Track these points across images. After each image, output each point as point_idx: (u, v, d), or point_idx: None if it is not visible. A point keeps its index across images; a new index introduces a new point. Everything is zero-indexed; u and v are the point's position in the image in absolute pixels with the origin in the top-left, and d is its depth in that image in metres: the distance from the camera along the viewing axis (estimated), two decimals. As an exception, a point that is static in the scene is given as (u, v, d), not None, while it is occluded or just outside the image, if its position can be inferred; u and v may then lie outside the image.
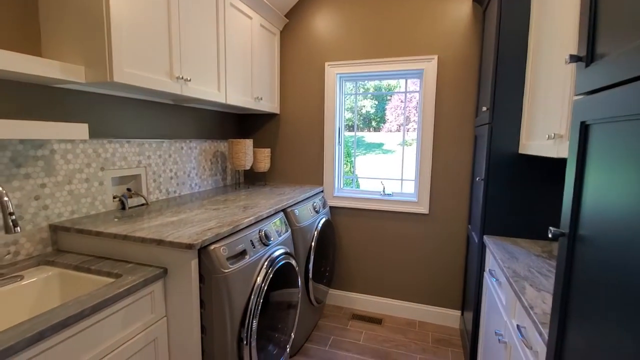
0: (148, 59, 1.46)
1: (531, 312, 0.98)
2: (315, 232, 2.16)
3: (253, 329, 1.37)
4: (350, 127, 2.77)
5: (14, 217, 1.07)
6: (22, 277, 1.23)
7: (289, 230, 1.88)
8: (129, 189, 1.82)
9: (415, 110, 2.57)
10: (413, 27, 2.36)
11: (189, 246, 1.20)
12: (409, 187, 2.63)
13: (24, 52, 1.32)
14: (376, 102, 2.72)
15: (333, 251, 2.58)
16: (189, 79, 1.68)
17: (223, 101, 2.00)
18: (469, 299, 2.10)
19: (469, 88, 2.29)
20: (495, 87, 1.69)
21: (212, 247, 1.28)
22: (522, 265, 1.34)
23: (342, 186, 2.79)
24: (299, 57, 2.66)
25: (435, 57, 2.32)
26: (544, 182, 1.66)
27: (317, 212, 2.29)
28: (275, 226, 1.74)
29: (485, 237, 1.74)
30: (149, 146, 1.92)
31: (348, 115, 2.75)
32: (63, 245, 1.43)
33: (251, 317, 1.37)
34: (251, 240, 1.49)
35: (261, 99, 2.42)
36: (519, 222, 1.72)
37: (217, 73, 1.94)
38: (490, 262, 1.67)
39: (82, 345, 0.97)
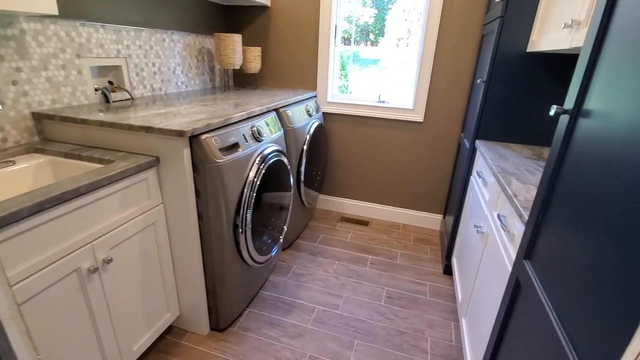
0: None
1: (514, 199, 1.03)
2: (308, 136, 2.14)
3: (248, 218, 1.44)
4: (347, 40, 2.53)
5: (-13, 93, 1.00)
6: (14, 162, 1.21)
7: (282, 131, 1.85)
8: (110, 82, 1.71)
9: (417, 22, 2.33)
10: None
11: (180, 133, 1.17)
12: (406, 98, 2.54)
13: None
14: (376, 12, 2.43)
15: (325, 157, 2.60)
16: (164, -54, 1.44)
17: (206, -19, 1.76)
18: (452, 204, 2.22)
19: (483, -21, 2.05)
20: (515, -28, 1.50)
21: (203, 136, 1.25)
22: (511, 164, 1.37)
23: (337, 93, 2.68)
24: None
25: (451, -62, 2.01)
26: (547, 85, 1.60)
27: (310, 115, 2.23)
28: (267, 124, 1.70)
29: (477, 141, 1.75)
30: (127, 34, 1.74)
31: (345, 26, 2.49)
32: (49, 135, 1.38)
33: (245, 207, 1.42)
34: (243, 135, 1.46)
35: (250, -16, 2.14)
36: (514, 127, 1.71)
37: (198, -56, 1.67)
38: (479, 164, 1.71)
39: (81, 221, 1.00)
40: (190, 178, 1.26)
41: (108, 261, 1.08)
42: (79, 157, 1.24)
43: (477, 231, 1.43)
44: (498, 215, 1.19)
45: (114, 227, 1.11)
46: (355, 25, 2.50)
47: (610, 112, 0.57)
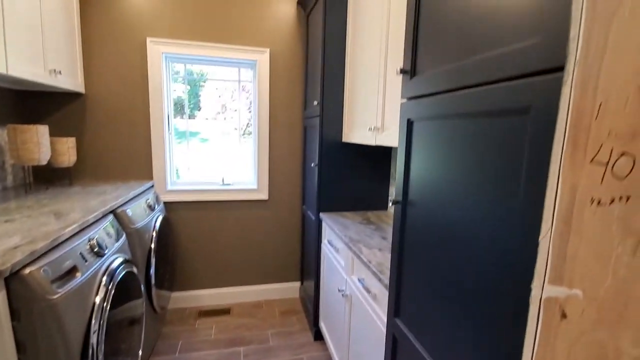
0: None
1: (369, 265, 1.27)
2: (154, 233, 1.92)
3: (96, 358, 1.13)
4: (179, 114, 2.54)
5: None
6: None
7: (124, 235, 1.60)
8: None
9: (231, 99, 2.62)
10: (246, 18, 2.39)
11: (-10, 275, 0.86)
12: (247, 176, 2.70)
13: None
14: (189, 88, 2.56)
15: (173, 250, 2.36)
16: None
17: (3, 71, 1.45)
18: (308, 269, 2.42)
19: (297, 82, 2.56)
20: (324, 86, 1.97)
21: (26, 270, 0.96)
22: (354, 232, 1.68)
23: (175, 178, 2.56)
24: (112, 27, 2.21)
25: (268, 50, 2.45)
26: (361, 164, 2.09)
27: (152, 209, 2.03)
28: (107, 232, 1.45)
29: (321, 214, 2.04)
30: None
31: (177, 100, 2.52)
32: None
33: (95, 346, 1.12)
34: (81, 253, 1.20)
35: (59, 72, 1.88)
36: (344, 199, 2.10)
37: (-13, 31, 1.38)
38: (327, 234, 1.98)
39: None
40: (9, 330, 0.91)
41: None
42: None
43: (342, 295, 1.63)
44: (358, 278, 1.42)
45: None
46: (170, 99, 2.54)
47: (417, 202, 0.86)
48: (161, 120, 2.36)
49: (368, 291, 1.32)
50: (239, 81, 2.61)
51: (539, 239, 0.46)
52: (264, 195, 2.62)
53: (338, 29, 1.95)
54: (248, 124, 2.65)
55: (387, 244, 1.51)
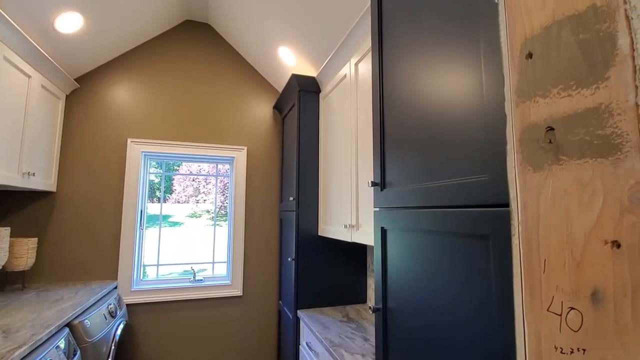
0: None
1: (354, 376, 1.19)
2: (112, 346, 1.72)
3: None
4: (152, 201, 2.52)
5: None
6: None
7: (78, 352, 1.43)
8: None
9: (206, 182, 2.68)
10: (224, 118, 2.59)
11: None
12: (220, 270, 2.60)
13: None
14: (160, 172, 2.60)
15: (131, 362, 2.09)
16: None
17: (-27, 179, 1.43)
18: (285, 376, 2.19)
19: (273, 178, 2.67)
20: (299, 183, 2.08)
21: (-45, 415, 0.81)
22: (334, 334, 1.59)
23: (141, 277, 2.41)
24: (92, 129, 2.30)
25: (245, 148, 2.60)
26: (337, 257, 2.09)
27: (113, 316, 1.86)
28: (59, 350, 1.29)
29: (299, 311, 1.95)
30: None
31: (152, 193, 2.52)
32: None
33: None
34: (25, 383, 1.04)
35: (33, 174, 1.87)
36: (323, 294, 2.04)
37: (-34, 140, 1.40)
38: (305, 335, 1.86)
39: None
40: None
41: None
42: None
43: (324, 411, 1.46)
44: (341, 392, 1.30)
45: None
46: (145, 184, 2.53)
47: (397, 309, 0.86)
48: (134, 214, 2.31)
49: (353, 408, 1.20)
50: (217, 176, 2.69)
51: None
52: (238, 291, 2.48)
53: (311, 134, 2.14)
54: (221, 206, 2.65)
55: (371, 347, 1.43)
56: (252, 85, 2.69)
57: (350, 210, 1.61)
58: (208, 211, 2.40)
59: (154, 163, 2.53)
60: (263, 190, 2.64)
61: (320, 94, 2.16)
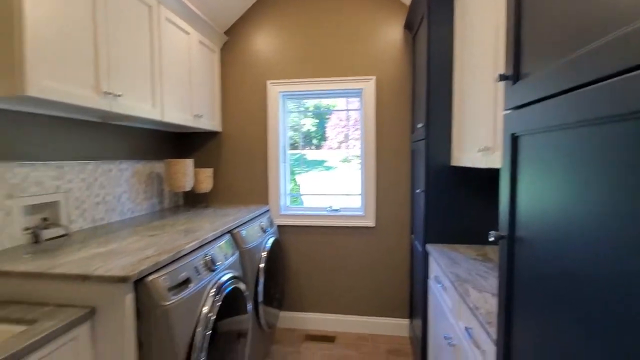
0: (70, 71, 1.31)
1: (476, 312, 1.04)
2: (264, 253, 2.08)
3: (200, 364, 1.25)
4: (294, 146, 2.77)
5: None
6: None
7: (237, 253, 1.78)
8: (45, 219, 1.58)
9: (354, 127, 2.67)
10: (352, 49, 2.49)
11: (123, 279, 1.06)
12: (355, 202, 2.69)
13: None
14: (317, 121, 2.79)
15: (283, 271, 2.51)
16: (119, 94, 1.54)
17: (159, 118, 1.87)
18: (417, 306, 2.18)
19: (404, 106, 2.46)
20: (429, 105, 1.83)
21: (150, 277, 1.15)
22: (463, 269, 1.43)
23: (288, 204, 2.76)
24: (241, 75, 2.62)
25: (374, 77, 2.46)
26: (475, 191, 1.81)
27: (264, 231, 2.22)
28: (221, 249, 1.63)
29: (428, 245, 1.83)
30: (70, 169, 1.70)
31: (291, 133, 2.76)
32: (-46, 292, 1.17)
33: (199, 351, 1.25)
34: (195, 267, 1.37)
35: (201, 116, 2.32)
36: (456, 229, 1.84)
37: (152, 88, 1.82)
38: (434, 269, 1.76)
39: (-19, 415, 0.78)
40: (132, 328, 1.10)
41: None
42: (-8, 320, 1.04)
43: (448, 343, 1.38)
44: (465, 327, 1.18)
45: (26, 413, 0.88)
46: (300, 133, 2.76)
47: (529, 238, 0.65)
48: (277, 152, 2.61)
49: (477, 346, 1.08)
50: (347, 110, 2.69)
51: None
52: (370, 222, 2.55)
53: (444, 43, 1.80)
54: (352, 141, 2.69)
55: (506, 288, 1.22)
56: (380, 5, 2.44)
57: (487, 130, 1.32)
58: (357, 156, 2.51)
59: (311, 114, 2.72)
60: (393, 120, 2.48)
61: (456, -5, 1.75)
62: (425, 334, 1.93)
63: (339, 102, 2.74)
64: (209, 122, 2.48)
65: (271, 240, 2.23)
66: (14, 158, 1.43)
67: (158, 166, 2.41)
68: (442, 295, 1.58)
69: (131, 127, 2.14)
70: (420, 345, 1.97)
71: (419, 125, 1.97)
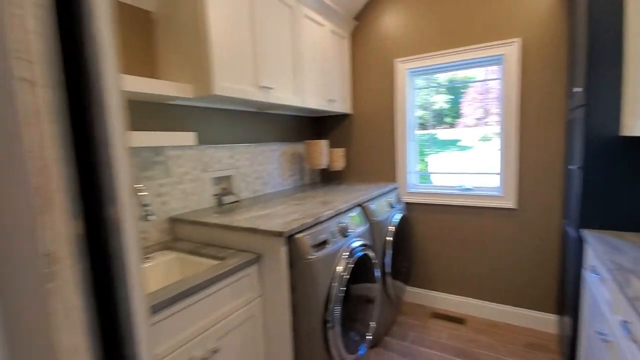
0: (239, 72, 1.68)
1: (636, 304, 0.90)
2: (391, 227, 2.19)
3: (336, 313, 1.48)
4: (423, 126, 2.73)
5: (147, 208, 1.35)
6: (151, 259, 1.52)
7: (367, 224, 1.95)
8: (224, 188, 2.09)
9: (494, 101, 2.43)
10: (489, 10, 2.25)
11: (279, 234, 1.35)
12: (492, 181, 2.49)
13: (144, 76, 1.64)
14: (451, 97, 2.64)
15: (410, 247, 2.57)
16: (271, 87, 1.88)
17: (301, 105, 2.17)
18: (566, 299, 1.91)
19: (557, 70, 2.10)
20: (590, 60, 1.53)
21: (298, 235, 1.42)
22: (629, 258, 1.20)
23: (417, 183, 2.76)
24: (369, 57, 2.73)
25: (518, 39, 2.17)
26: (658, 167, 1.45)
27: (392, 207, 2.32)
28: (353, 220, 1.83)
29: (584, 231, 1.58)
30: (239, 150, 2.18)
31: (420, 113, 2.72)
32: (178, 234, 1.72)
33: (334, 302, 1.48)
34: (331, 231, 1.60)
35: (335, 101, 2.55)
36: (622, 214, 1.52)
37: (294, 80, 2.12)
38: (590, 258, 1.51)
39: (198, 313, 1.18)
40: (286, 274, 1.40)
41: (215, 351, 1.21)
42: (199, 254, 1.50)
43: (602, 339, 1.21)
44: (622, 321, 1.02)
45: (221, 319, 1.27)
46: (430, 111, 2.68)
47: None
48: (404, 131, 2.63)
49: (635, 341, 0.93)
50: (485, 81, 2.47)
51: None
52: (511, 204, 2.32)
53: (616, -15, 1.45)
54: (489, 116, 2.45)
55: (692, 285, 0.98)
56: (527, -46, 2.11)
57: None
58: (496, 134, 2.27)
59: (443, 90, 2.67)
60: (542, 87, 2.15)
61: None
62: (575, 329, 1.70)
63: (477, 74, 2.52)
64: (341, 105, 2.70)
65: (398, 216, 2.31)
66: (206, 142, 1.95)
67: (299, 147, 2.79)
68: (598, 288, 1.37)
69: (278, 114, 2.54)
70: (570, 341, 1.75)
71: (576, 90, 1.67)
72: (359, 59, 2.78)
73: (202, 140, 1.93)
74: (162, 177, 1.70)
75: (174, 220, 1.71)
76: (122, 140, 0.62)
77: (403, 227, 2.43)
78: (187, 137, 1.59)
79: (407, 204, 2.69)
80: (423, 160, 2.80)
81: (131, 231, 0.63)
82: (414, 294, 2.75)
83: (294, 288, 1.42)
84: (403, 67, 2.58)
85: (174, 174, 1.76)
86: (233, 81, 1.65)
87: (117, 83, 0.61)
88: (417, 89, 2.69)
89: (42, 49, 0.51)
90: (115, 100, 0.60)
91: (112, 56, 0.59)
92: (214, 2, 1.52)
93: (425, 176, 2.80)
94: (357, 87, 2.82)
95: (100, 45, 0.58)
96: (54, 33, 0.53)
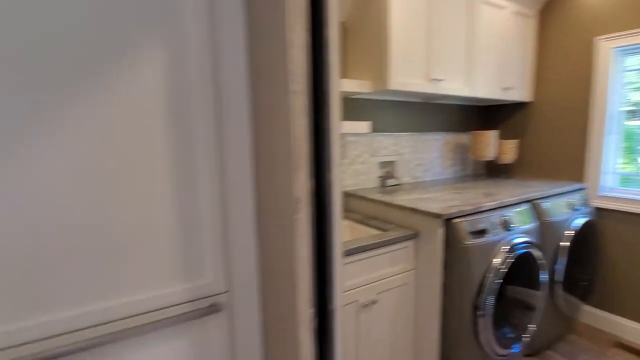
0: (411, 67, 1.84)
1: None
2: (569, 232, 1.94)
3: (488, 304, 1.50)
4: (634, 116, 2.19)
5: (331, 181, 1.72)
6: (328, 222, 1.92)
7: (535, 223, 1.81)
8: (387, 172, 2.33)
9: None
10: None
11: (438, 215, 1.48)
12: None
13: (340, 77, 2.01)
14: None
15: (594, 259, 2.18)
16: (442, 79, 1.96)
17: (471, 95, 2.16)
18: None
19: None
20: None
21: (456, 220, 1.51)
22: None
23: (617, 185, 2.27)
24: (560, 37, 2.37)
25: None
26: None
27: (573, 209, 2.03)
28: (519, 215, 1.74)
29: None
30: (403, 138, 2.36)
31: (633, 99, 2.19)
32: (350, 206, 2.07)
33: (487, 291, 1.50)
34: (492, 222, 1.60)
35: (511, 88, 2.37)
36: None
37: (466, 70, 2.11)
38: None
39: (364, 268, 1.46)
40: (441, 254, 1.53)
41: (374, 302, 1.48)
42: (366, 224, 1.79)
43: None
44: None
45: (381, 278, 1.52)
46: None
47: None
48: (602, 122, 2.19)
49: None
50: None
51: None
52: None
53: None
54: None
55: None
56: None
57: None
58: None
59: (633, 63, 2.13)
60: None
61: None
62: None
63: None
64: (519, 92, 2.47)
65: (581, 221, 2.01)
66: (376, 130, 2.22)
67: (463, 137, 2.74)
68: None
69: (443, 104, 2.57)
70: None
71: None
72: (547, 40, 2.45)
73: (373, 129, 2.21)
74: (340, 158, 2.08)
75: (347, 195, 2.07)
76: (337, 128, 0.91)
77: (586, 235, 2.09)
78: (364, 126, 1.89)
79: (598, 209, 2.26)
80: (632, 158, 2.26)
81: (337, 190, 0.92)
82: (593, 316, 2.33)
83: (447, 269, 1.53)
84: (607, 46, 2.13)
85: (349, 156, 2.11)
86: (406, 76, 1.83)
87: (337, 91, 0.90)
88: (626, 72, 2.17)
89: (303, 72, 0.83)
90: (335, 101, 0.89)
91: (336, 74, 0.88)
92: (396, 6, 1.72)
93: (627, 178, 2.26)
94: (542, 72, 2.51)
95: (332, 67, 0.87)
96: (308, 61, 0.85)
